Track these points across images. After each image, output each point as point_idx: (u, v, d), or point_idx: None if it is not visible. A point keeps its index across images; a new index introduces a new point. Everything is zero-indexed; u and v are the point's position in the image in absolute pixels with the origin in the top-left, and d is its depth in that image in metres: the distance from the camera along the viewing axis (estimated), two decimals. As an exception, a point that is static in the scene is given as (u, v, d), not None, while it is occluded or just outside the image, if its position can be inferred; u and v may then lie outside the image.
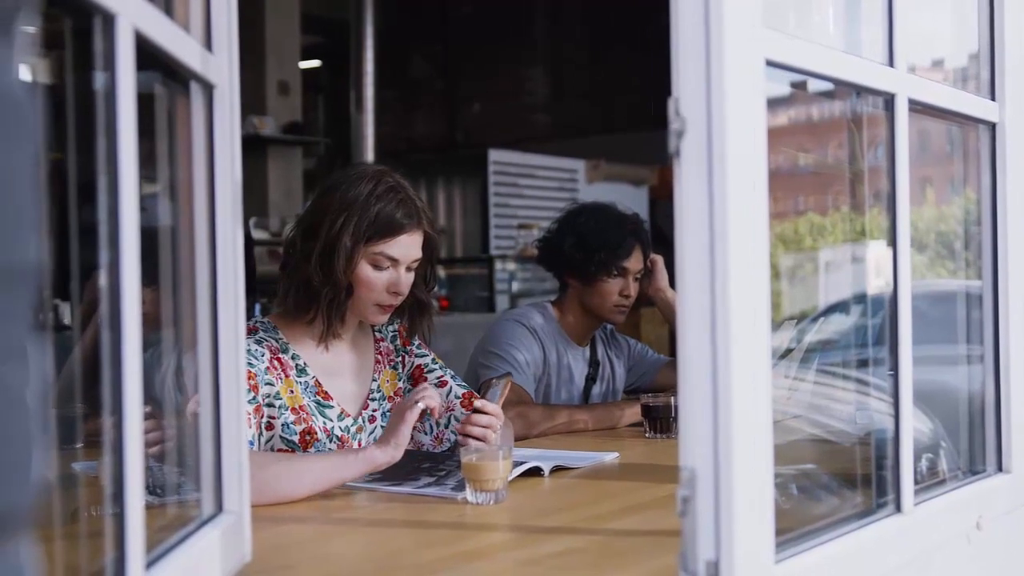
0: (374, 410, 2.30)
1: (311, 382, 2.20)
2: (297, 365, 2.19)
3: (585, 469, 2.21)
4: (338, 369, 2.26)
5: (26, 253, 0.57)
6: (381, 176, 2.19)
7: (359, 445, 2.22)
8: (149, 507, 1.07)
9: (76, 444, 1.92)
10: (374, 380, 2.32)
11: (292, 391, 2.16)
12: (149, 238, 1.07)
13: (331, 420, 2.20)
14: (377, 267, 2.17)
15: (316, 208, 2.19)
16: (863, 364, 1.91)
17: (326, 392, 2.21)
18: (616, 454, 2.35)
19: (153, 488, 1.31)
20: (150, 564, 1.08)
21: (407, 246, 2.18)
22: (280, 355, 2.18)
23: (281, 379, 2.15)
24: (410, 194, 2.20)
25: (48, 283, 0.63)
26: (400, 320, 2.36)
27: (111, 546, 1.01)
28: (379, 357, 2.35)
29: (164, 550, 1.16)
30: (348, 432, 2.22)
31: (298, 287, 2.18)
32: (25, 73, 0.61)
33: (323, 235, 2.13)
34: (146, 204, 1.08)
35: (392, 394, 2.34)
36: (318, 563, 1.57)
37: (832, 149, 2.04)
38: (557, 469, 2.16)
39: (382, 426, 2.27)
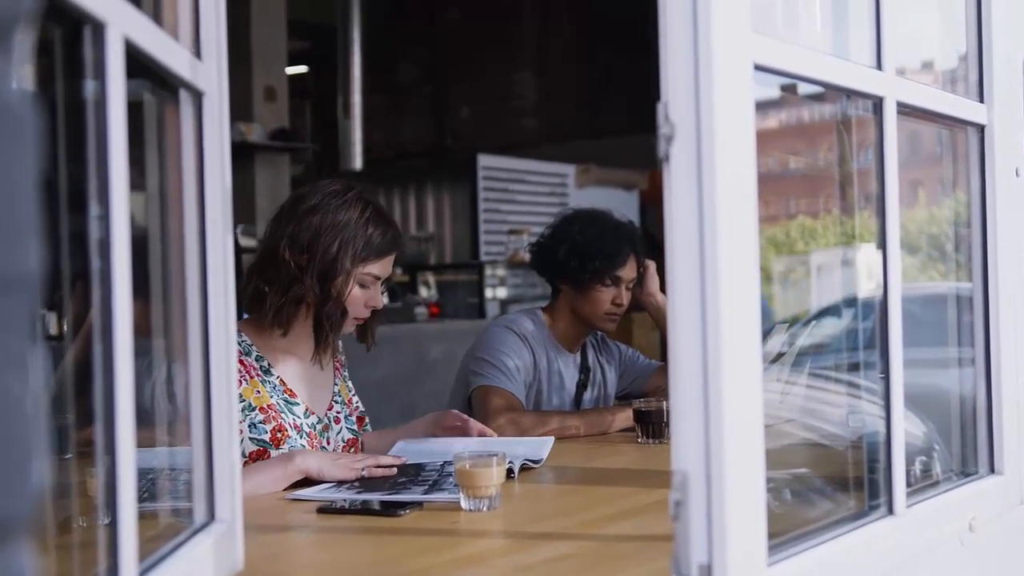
0: (337, 412, 2.40)
1: (277, 382, 2.28)
2: (262, 366, 2.27)
3: (577, 474, 2.21)
4: (303, 373, 2.34)
5: (26, 262, 0.58)
6: (362, 198, 2.29)
7: (327, 443, 2.33)
8: (140, 515, 1.07)
9: (67, 455, 1.90)
10: (335, 384, 2.43)
11: (259, 391, 2.24)
12: (138, 246, 1.07)
13: (299, 417, 2.28)
14: (363, 286, 2.28)
15: (304, 224, 2.24)
16: (855, 367, 1.92)
17: (291, 390, 2.30)
18: (551, 439, 2.39)
19: (142, 496, 1.31)
20: (142, 573, 1.07)
21: (390, 265, 2.33)
22: (244, 358, 2.25)
23: (246, 380, 2.22)
24: (390, 216, 2.35)
25: (42, 292, 0.63)
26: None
27: (104, 555, 1.00)
28: (337, 365, 2.46)
29: (157, 559, 1.16)
30: (315, 429, 2.31)
31: (290, 302, 2.24)
32: (23, 82, 0.61)
33: (319, 256, 2.21)
34: (134, 212, 1.07)
35: (346, 401, 2.44)
36: (310, 571, 1.57)
37: (822, 152, 2.05)
38: (525, 468, 2.19)
39: (347, 427, 2.40)
